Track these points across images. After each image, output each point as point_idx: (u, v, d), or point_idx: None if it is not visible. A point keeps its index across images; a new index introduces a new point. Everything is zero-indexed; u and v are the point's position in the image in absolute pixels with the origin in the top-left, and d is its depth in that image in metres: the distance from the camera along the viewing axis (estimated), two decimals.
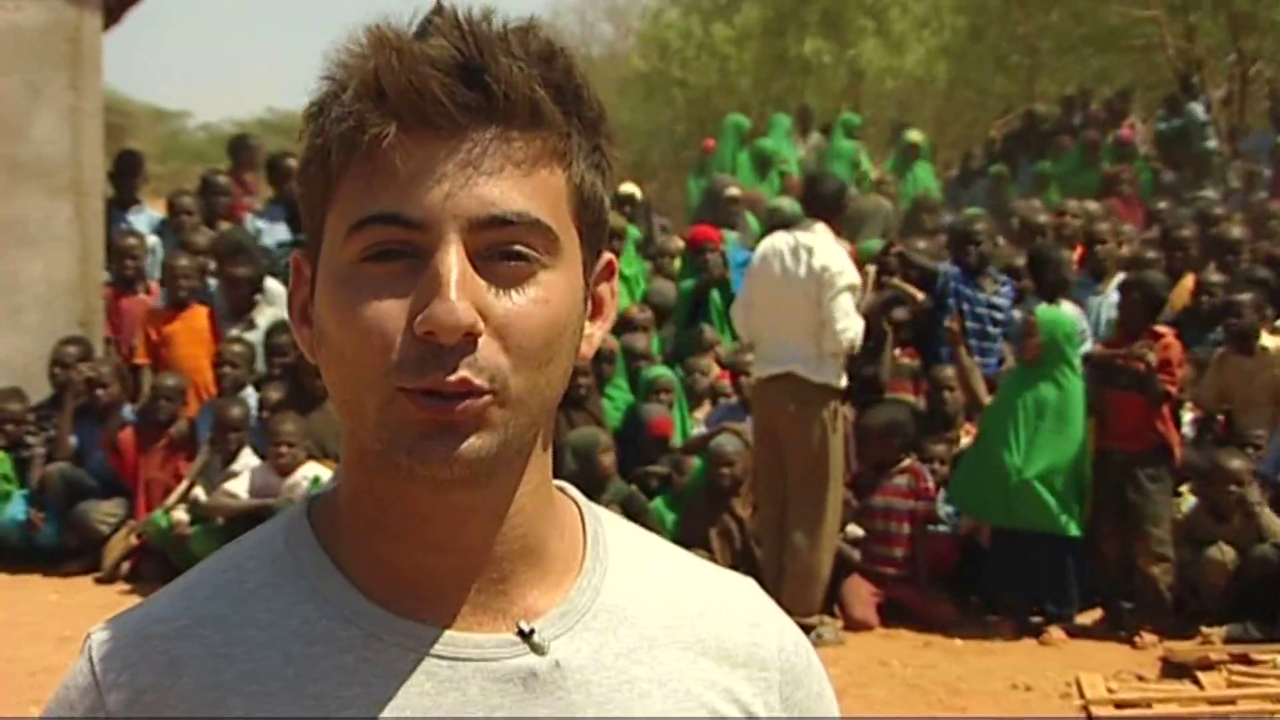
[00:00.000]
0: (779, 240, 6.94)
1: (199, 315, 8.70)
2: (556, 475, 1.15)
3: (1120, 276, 9.10)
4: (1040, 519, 6.89)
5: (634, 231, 11.42)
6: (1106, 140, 14.60)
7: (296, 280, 1.10)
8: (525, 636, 1.06)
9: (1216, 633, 6.54)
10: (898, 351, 8.08)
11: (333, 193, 1.03)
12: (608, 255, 1.13)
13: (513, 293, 1.00)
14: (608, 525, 1.16)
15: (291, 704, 1.02)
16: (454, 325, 0.97)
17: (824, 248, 6.74)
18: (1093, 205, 11.09)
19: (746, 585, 1.21)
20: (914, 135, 15.16)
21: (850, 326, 6.67)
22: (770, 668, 1.15)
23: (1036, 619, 6.93)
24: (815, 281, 6.63)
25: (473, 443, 0.99)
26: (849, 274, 6.77)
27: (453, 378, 0.98)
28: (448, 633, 1.04)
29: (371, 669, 1.03)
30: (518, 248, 1.00)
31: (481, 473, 1.01)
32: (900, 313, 8.00)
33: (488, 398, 0.99)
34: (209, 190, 10.82)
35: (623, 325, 8.79)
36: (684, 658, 1.11)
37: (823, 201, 6.96)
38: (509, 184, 1.00)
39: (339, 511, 1.10)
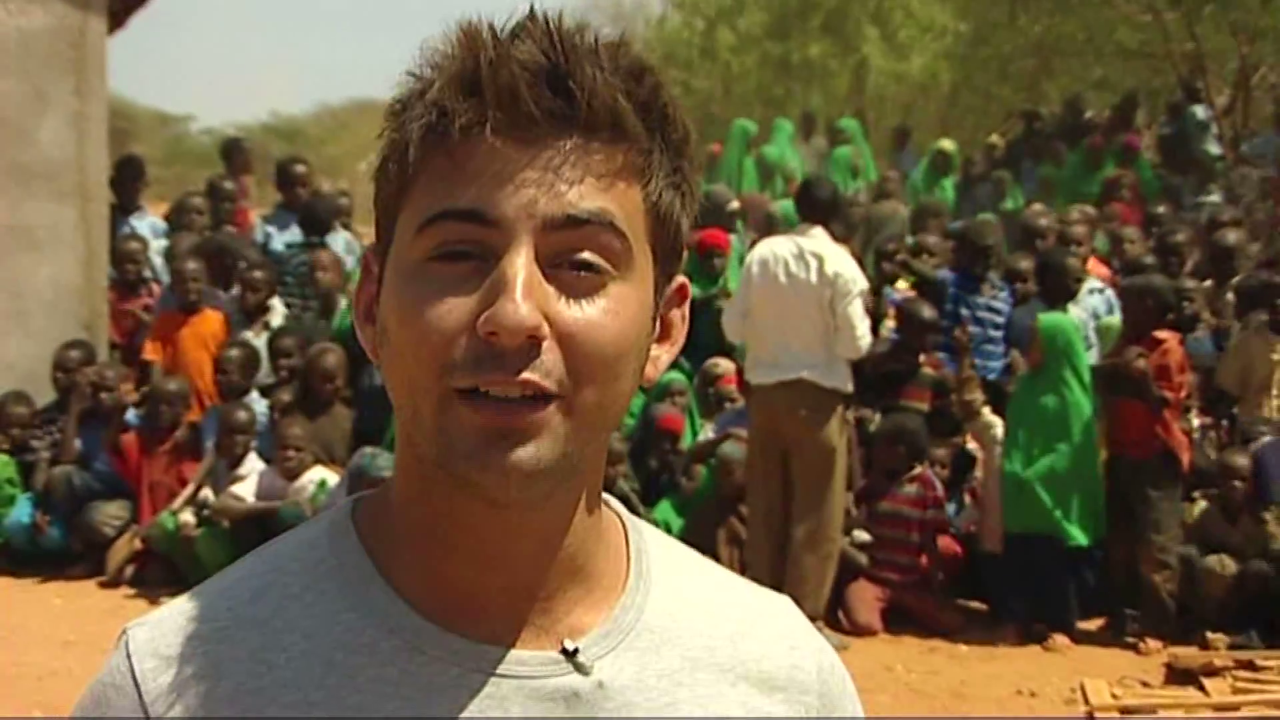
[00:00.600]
0: (779, 246, 6.91)
1: (206, 320, 8.71)
2: None
3: (1092, 282, 9.12)
4: (1037, 522, 6.89)
5: None
6: (1111, 145, 14.58)
7: (364, 278, 1.09)
8: (569, 655, 1.05)
9: (1220, 639, 6.54)
10: (921, 359, 8.06)
11: (409, 189, 1.02)
12: (681, 279, 1.11)
13: (582, 302, 0.99)
14: (650, 541, 1.15)
15: (332, 714, 1.01)
16: (517, 325, 0.95)
17: (833, 254, 6.74)
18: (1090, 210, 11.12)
19: (783, 604, 1.20)
20: (946, 144, 15.14)
21: (866, 333, 6.72)
22: (809, 691, 1.14)
23: (1040, 625, 6.91)
24: (829, 288, 6.63)
25: (532, 451, 0.98)
26: (860, 280, 6.80)
27: (517, 378, 0.96)
28: (491, 649, 1.04)
29: (413, 682, 1.02)
30: (588, 256, 0.99)
31: (540, 487, 0.99)
32: (928, 313, 7.97)
33: (554, 405, 0.98)
34: (215, 195, 10.88)
35: None
36: (724, 680, 1.10)
37: (819, 206, 6.96)
38: (585, 189, 0.99)
39: (387, 517, 1.08)
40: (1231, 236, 9.46)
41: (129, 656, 1.04)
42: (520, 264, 0.97)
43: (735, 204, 12.04)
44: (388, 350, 1.02)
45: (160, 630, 1.05)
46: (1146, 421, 6.90)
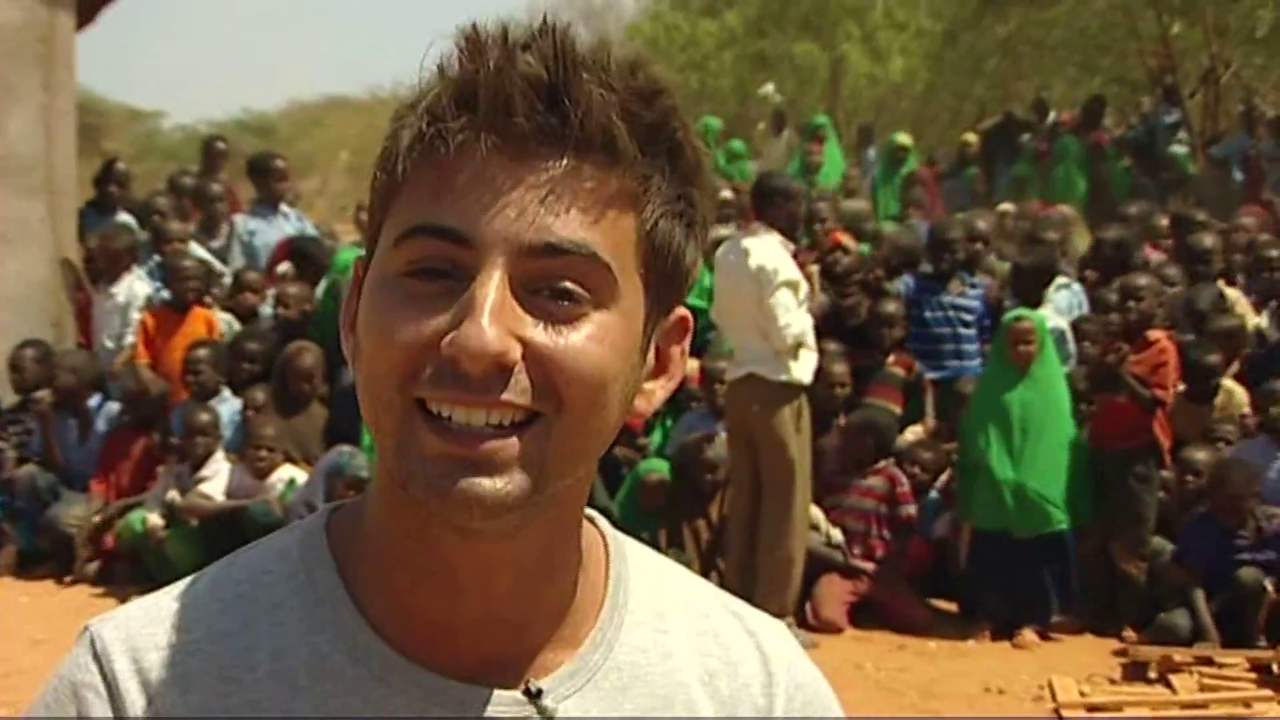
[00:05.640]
0: (727, 246, 7.07)
1: (196, 318, 8.52)
2: None
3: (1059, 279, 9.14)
4: (1007, 521, 6.93)
5: None
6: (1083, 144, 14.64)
7: (353, 287, 1.04)
8: (534, 697, 1.02)
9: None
10: (891, 359, 8.06)
11: (395, 198, 0.98)
12: (682, 312, 1.05)
13: (562, 328, 0.94)
14: (632, 565, 1.11)
15: None
16: (480, 349, 0.91)
17: (760, 248, 6.78)
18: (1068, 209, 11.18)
19: (767, 632, 1.16)
20: (902, 138, 15.18)
21: (792, 322, 6.69)
22: None
23: (1013, 621, 6.92)
24: (754, 282, 6.70)
25: (498, 485, 0.93)
26: (785, 271, 6.76)
27: (483, 400, 0.92)
28: (456, 686, 1.01)
29: (376, 714, 1.00)
30: (568, 285, 0.94)
31: (508, 521, 0.95)
32: (892, 307, 8.00)
33: (527, 432, 0.93)
34: (177, 192, 10.84)
35: None
36: None
37: (765, 202, 7.02)
38: (570, 216, 0.94)
39: (361, 536, 1.05)
40: (1208, 240, 9.34)
41: (98, 657, 1.02)
42: (492, 286, 0.92)
43: (727, 193, 12.07)
44: (360, 363, 0.99)
45: (129, 632, 1.03)
46: (1135, 415, 6.94)
